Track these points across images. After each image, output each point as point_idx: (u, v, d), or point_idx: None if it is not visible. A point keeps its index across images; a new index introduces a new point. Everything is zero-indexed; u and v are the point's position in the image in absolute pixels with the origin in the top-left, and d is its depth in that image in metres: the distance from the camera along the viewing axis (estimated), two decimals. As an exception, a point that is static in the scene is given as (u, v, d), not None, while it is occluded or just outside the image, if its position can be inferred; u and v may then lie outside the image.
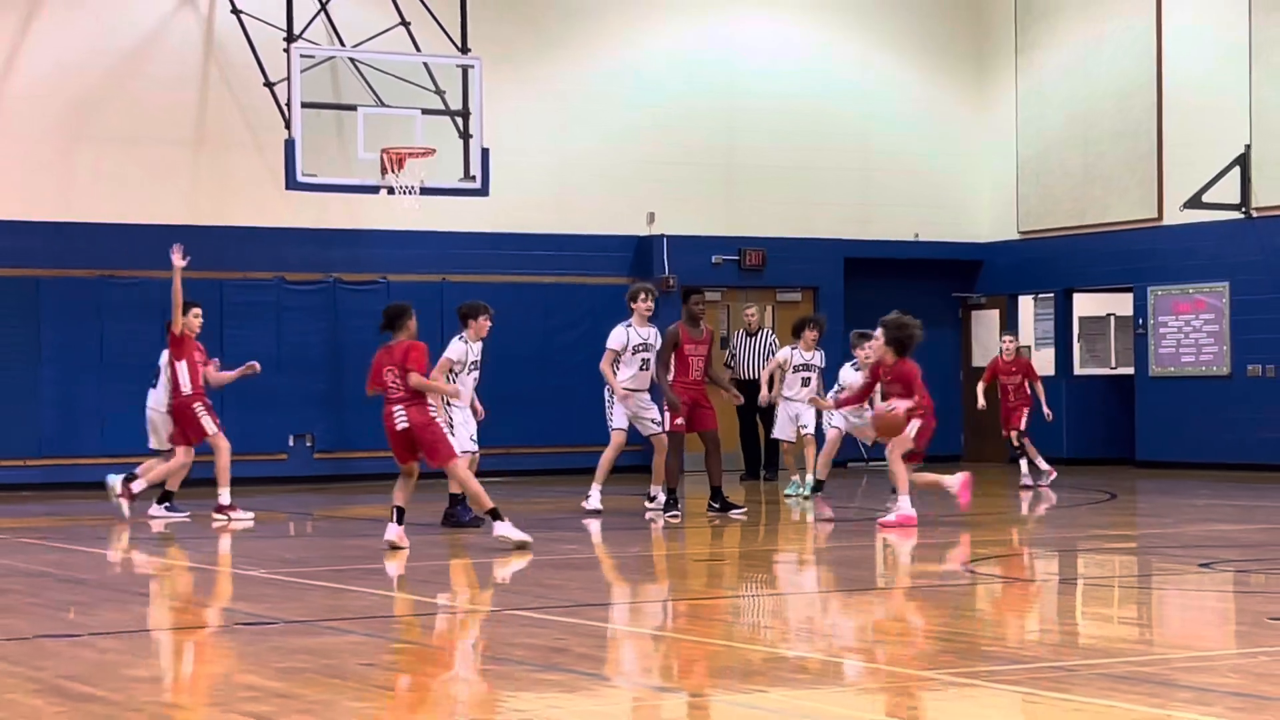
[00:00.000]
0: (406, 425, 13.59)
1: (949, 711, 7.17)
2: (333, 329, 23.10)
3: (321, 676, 8.15)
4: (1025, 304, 27.23)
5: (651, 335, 17.18)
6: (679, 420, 16.53)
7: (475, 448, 16.22)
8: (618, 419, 17.21)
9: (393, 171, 20.67)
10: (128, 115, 22.70)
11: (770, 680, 7.87)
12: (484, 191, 21.66)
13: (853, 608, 10.80)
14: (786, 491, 19.90)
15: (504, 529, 13.62)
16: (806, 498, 19.14)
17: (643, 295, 17.26)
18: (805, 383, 19.81)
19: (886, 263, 26.57)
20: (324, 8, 22.31)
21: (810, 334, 19.98)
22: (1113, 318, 27.28)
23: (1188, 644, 9.15)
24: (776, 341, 23.54)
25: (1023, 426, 21.32)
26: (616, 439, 17.23)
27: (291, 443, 23.03)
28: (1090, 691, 7.35)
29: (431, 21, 22.27)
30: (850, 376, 18.64)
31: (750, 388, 21.44)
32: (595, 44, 25.26)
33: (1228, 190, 23.56)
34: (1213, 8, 24.21)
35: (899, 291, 26.80)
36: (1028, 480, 20.94)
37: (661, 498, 16.90)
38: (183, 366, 17.06)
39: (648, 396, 17.14)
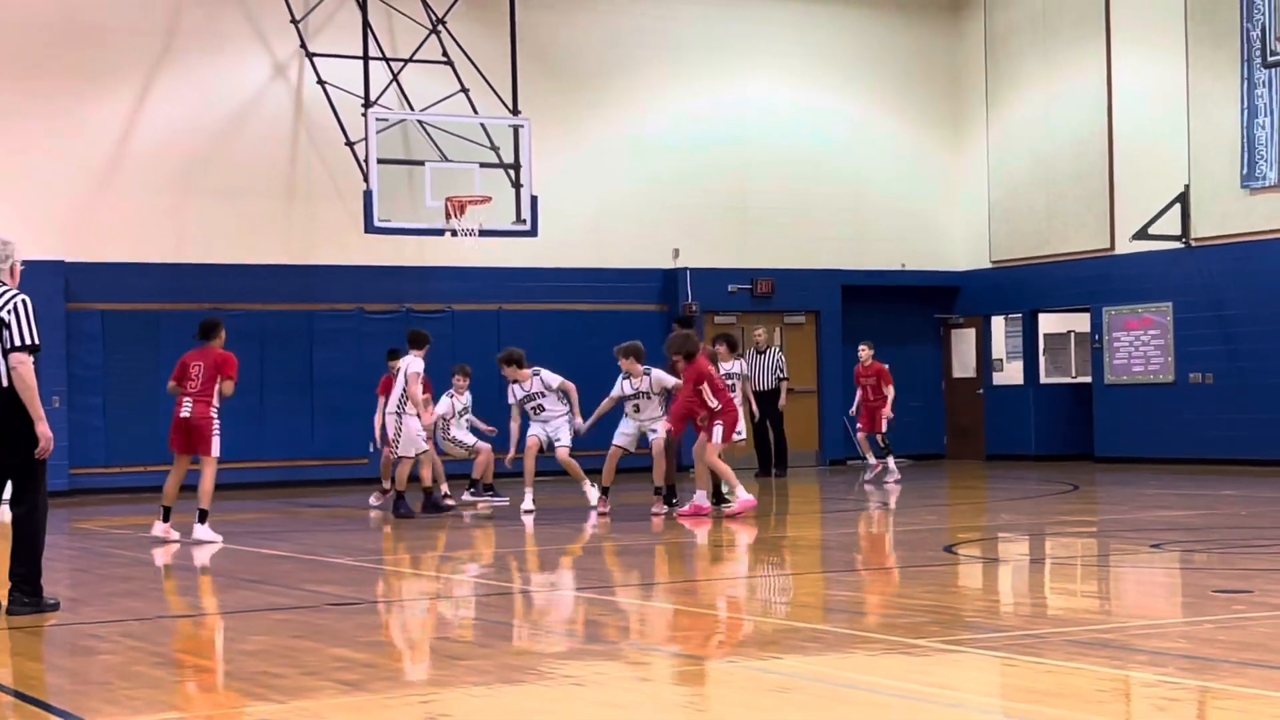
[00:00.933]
0: (189, 415, 14.15)
1: (938, 674, 7.15)
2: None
3: (400, 649, 8.17)
4: (997, 323, 27.17)
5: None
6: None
7: (427, 448, 16.89)
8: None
9: (455, 217, 20.70)
10: (230, 171, 22.77)
11: (783, 649, 7.86)
12: (533, 232, 21.68)
13: (854, 585, 10.78)
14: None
15: None
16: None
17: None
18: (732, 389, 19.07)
19: (878, 289, 26.55)
20: (395, 78, 22.37)
21: (721, 348, 18.87)
22: (1073, 334, 27.19)
23: (1142, 614, 9.11)
24: (783, 358, 23.53)
25: (884, 428, 21.35)
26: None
27: (371, 449, 23.04)
28: (1059, 655, 7.33)
29: (487, 88, 22.32)
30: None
31: (761, 398, 21.44)
32: (627, 106, 25.28)
33: (1170, 224, 23.49)
34: (1155, 67, 24.14)
35: (889, 313, 26.89)
36: (871, 476, 21.05)
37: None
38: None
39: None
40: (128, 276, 22.08)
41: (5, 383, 9.23)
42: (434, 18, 22.75)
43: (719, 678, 7.12)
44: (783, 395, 23.10)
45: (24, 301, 9.25)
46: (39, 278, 21.54)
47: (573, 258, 24.52)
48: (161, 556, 13.35)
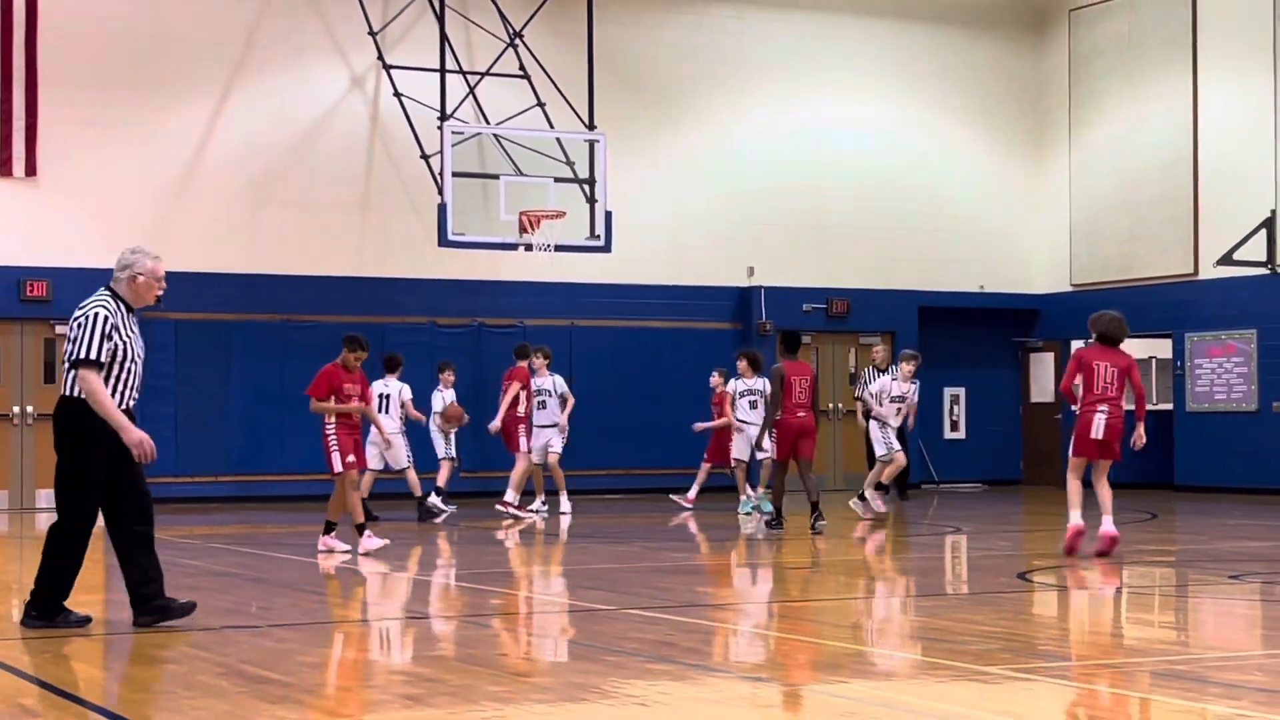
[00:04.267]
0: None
1: (1008, 701, 7.08)
2: (477, 366, 23.18)
3: (464, 665, 8.18)
4: (1077, 348, 26.90)
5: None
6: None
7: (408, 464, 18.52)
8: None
9: (529, 231, 20.77)
10: (305, 183, 22.95)
11: (851, 673, 7.81)
12: (607, 248, 21.71)
13: (925, 611, 10.70)
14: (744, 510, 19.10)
15: (330, 542, 14.33)
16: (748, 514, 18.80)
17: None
18: (753, 405, 19.26)
19: (955, 311, 26.39)
20: (472, 91, 22.48)
21: (742, 364, 19.56)
22: (1154, 360, 26.91)
23: (1219, 646, 8.99)
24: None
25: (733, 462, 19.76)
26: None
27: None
28: (1132, 686, 7.25)
29: (563, 103, 22.39)
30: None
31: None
32: (702, 122, 25.28)
33: (1256, 249, 23.23)
34: (1243, 89, 23.91)
35: (966, 336, 26.73)
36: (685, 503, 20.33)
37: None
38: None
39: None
40: (201, 286, 22.27)
41: (67, 390, 9.21)
42: (511, 31, 22.85)
43: (785, 701, 7.08)
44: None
45: (95, 314, 9.18)
46: (114, 286, 21.82)
47: (646, 274, 24.53)
48: (325, 565, 13.41)
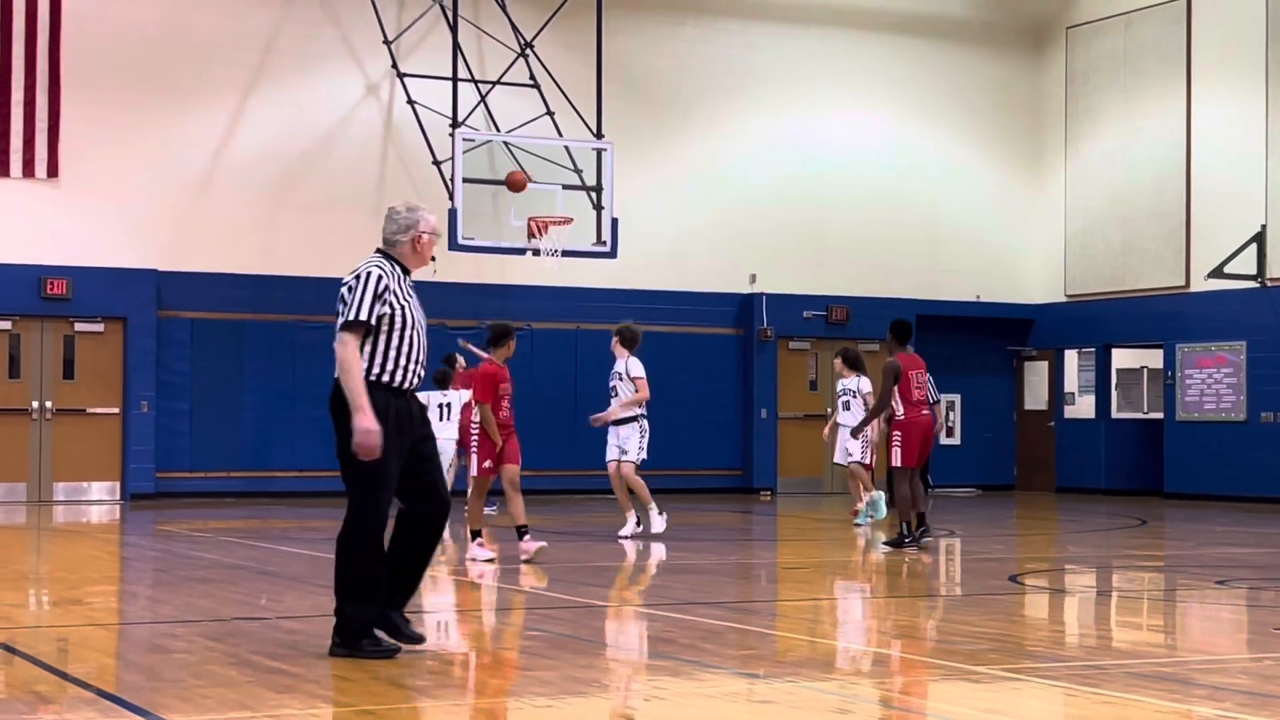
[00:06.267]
0: None
1: (997, 701, 7.09)
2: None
3: (467, 658, 8.18)
4: (1070, 357, 26.94)
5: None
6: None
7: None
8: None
9: (537, 236, 20.78)
10: (320, 186, 22.98)
11: (844, 670, 7.81)
12: (613, 254, 21.73)
13: (917, 611, 10.71)
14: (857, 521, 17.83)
15: None
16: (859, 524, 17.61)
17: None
18: (846, 406, 18.04)
19: (952, 320, 26.40)
20: (483, 99, 22.50)
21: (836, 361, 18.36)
22: (1145, 370, 26.92)
23: (1204, 649, 9.00)
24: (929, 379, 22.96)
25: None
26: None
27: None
28: (1119, 687, 7.25)
29: (572, 112, 22.41)
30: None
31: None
32: (707, 132, 25.30)
33: (1246, 263, 23.24)
34: (1235, 107, 23.92)
35: (962, 344, 26.73)
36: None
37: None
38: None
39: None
40: (217, 286, 22.33)
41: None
42: (522, 41, 22.87)
43: (779, 698, 7.09)
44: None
45: (368, 274, 7.79)
46: (133, 285, 21.90)
47: (651, 280, 24.54)
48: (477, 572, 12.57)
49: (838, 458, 18.26)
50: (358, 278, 7.78)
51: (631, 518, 15.70)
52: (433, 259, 8.55)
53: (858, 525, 17.51)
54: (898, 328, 14.78)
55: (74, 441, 21.82)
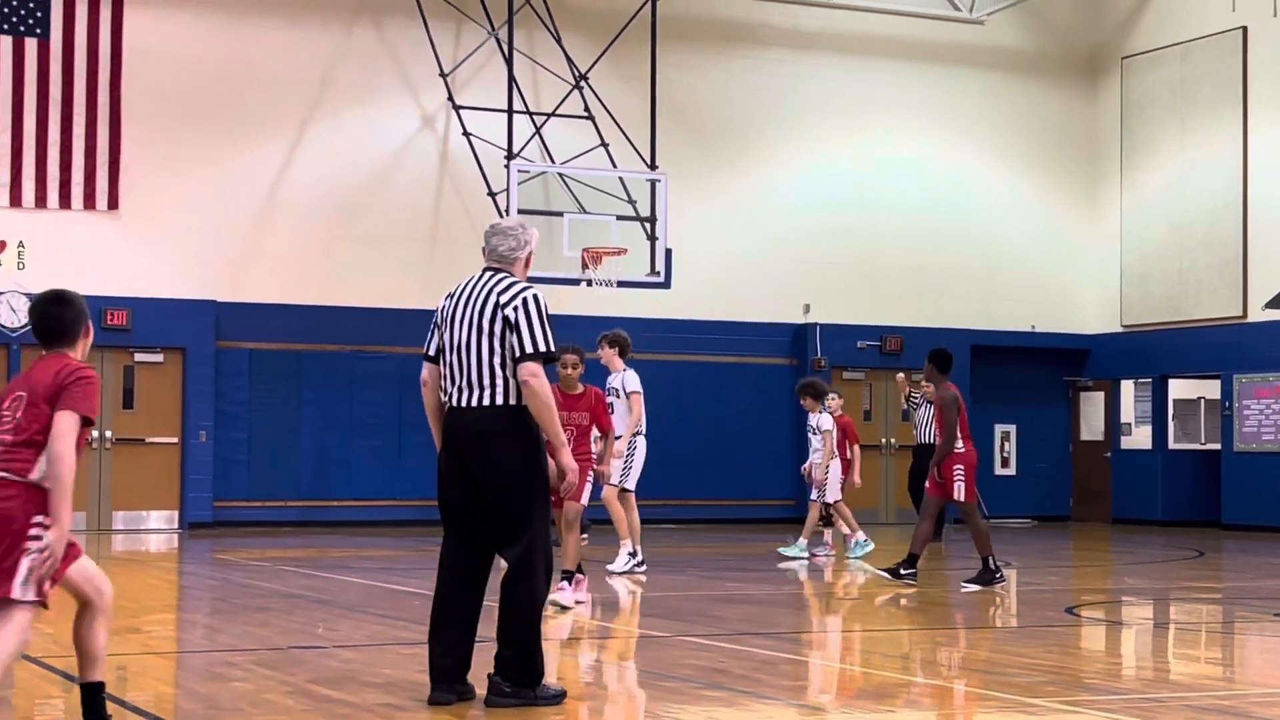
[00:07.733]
0: None
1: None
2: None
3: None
4: (1127, 388, 26.75)
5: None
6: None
7: None
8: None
9: (591, 267, 20.85)
10: (376, 218, 23.12)
11: (900, 702, 7.77)
12: (666, 284, 21.76)
13: (973, 643, 10.64)
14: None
15: None
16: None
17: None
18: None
19: (1007, 350, 26.28)
20: (538, 131, 22.61)
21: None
22: (1203, 400, 26.69)
23: (1263, 682, 8.90)
24: None
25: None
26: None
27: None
28: (1176, 721, 7.18)
29: (626, 143, 22.49)
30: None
31: (925, 451, 19.33)
32: (761, 163, 25.32)
33: (1304, 292, 23.07)
34: (1292, 136, 23.77)
35: (1017, 375, 26.60)
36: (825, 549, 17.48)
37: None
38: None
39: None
40: (275, 317, 22.47)
41: (501, 399, 7.20)
42: (577, 74, 22.98)
43: (833, 729, 7.06)
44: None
45: (535, 297, 7.31)
46: (192, 316, 22.08)
47: (704, 310, 24.55)
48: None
49: (813, 495, 17.30)
50: (525, 300, 7.25)
51: (625, 546, 14.44)
52: None
53: (852, 558, 16.85)
54: (940, 358, 14.00)
55: (133, 471, 21.99)
